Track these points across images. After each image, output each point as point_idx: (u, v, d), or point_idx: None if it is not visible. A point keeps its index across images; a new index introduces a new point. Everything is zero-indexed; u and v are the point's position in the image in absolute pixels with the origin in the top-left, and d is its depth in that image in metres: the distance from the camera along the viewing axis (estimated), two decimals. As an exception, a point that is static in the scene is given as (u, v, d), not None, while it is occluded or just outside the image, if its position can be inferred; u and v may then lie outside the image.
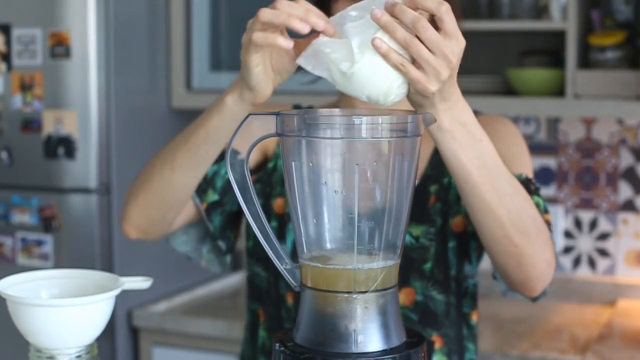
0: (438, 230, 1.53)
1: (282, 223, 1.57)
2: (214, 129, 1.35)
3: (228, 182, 1.57)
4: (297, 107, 1.67)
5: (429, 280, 1.53)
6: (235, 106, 1.31)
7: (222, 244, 1.61)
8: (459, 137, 1.24)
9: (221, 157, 1.52)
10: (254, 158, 1.60)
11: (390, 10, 1.11)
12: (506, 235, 1.32)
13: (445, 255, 1.53)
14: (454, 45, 1.14)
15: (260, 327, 1.63)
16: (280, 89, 1.34)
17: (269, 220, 1.56)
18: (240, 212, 1.62)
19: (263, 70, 1.24)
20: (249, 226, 1.62)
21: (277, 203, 1.58)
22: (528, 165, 1.54)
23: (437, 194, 1.54)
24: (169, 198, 1.47)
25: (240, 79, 1.28)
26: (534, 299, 1.50)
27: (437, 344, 1.55)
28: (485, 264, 1.67)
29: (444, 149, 1.26)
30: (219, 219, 1.59)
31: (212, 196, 1.56)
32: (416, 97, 1.18)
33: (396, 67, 1.12)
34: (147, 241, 1.59)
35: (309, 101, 1.82)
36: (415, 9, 1.12)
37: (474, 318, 1.60)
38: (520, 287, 1.43)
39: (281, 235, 1.56)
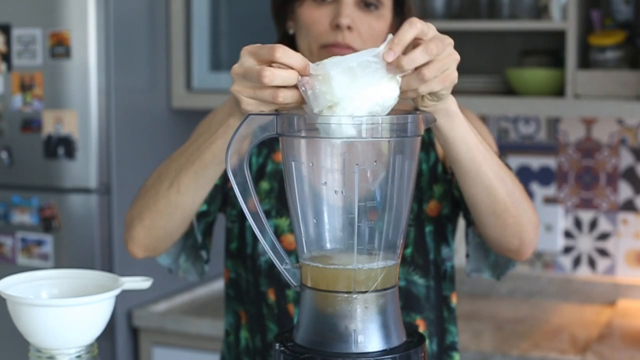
0: (415, 215, 1.56)
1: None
2: (219, 150, 1.34)
3: (214, 190, 1.57)
4: None
5: (410, 265, 1.56)
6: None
7: (204, 253, 1.62)
8: (462, 118, 1.26)
9: None
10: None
11: (398, 65, 1.08)
12: (506, 208, 1.37)
13: (424, 239, 1.57)
14: (433, 32, 1.12)
15: (242, 328, 1.64)
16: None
17: (244, 219, 1.57)
18: (214, 220, 1.64)
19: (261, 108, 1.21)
20: (229, 229, 1.64)
21: (251, 200, 1.59)
22: (494, 144, 1.58)
23: None
24: (176, 218, 1.47)
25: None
26: (498, 277, 1.57)
27: (421, 328, 1.58)
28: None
29: (454, 133, 1.26)
30: (202, 228, 1.60)
31: (202, 207, 1.57)
32: (432, 96, 1.17)
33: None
34: (154, 257, 1.60)
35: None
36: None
37: (454, 300, 1.64)
38: (514, 254, 1.48)
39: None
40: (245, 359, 1.63)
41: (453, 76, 1.14)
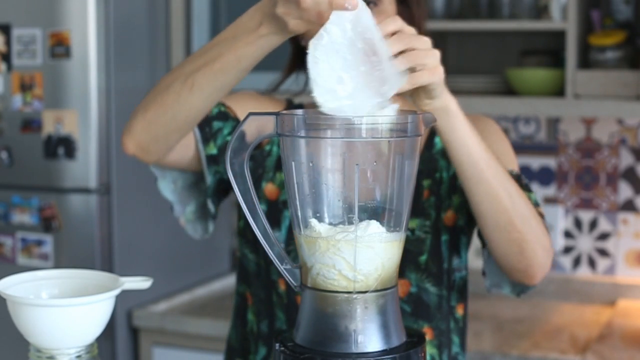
0: (432, 223, 1.55)
1: (274, 209, 1.57)
2: (245, 57, 1.33)
3: (226, 143, 1.54)
4: (289, 101, 1.68)
5: (424, 272, 1.55)
6: (274, 38, 1.30)
7: (211, 206, 1.60)
8: (464, 119, 1.27)
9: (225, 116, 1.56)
10: (250, 132, 1.56)
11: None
12: (510, 221, 1.36)
13: (439, 248, 1.56)
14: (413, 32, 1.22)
15: (248, 310, 1.63)
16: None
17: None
18: (229, 184, 1.60)
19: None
20: (239, 205, 1.62)
21: (269, 188, 1.59)
22: (515, 162, 1.57)
23: (430, 188, 1.55)
24: (180, 118, 1.43)
25: (272, 15, 1.27)
26: (519, 294, 1.54)
27: (428, 336, 1.56)
28: (476, 263, 1.67)
29: (455, 134, 1.28)
30: (212, 179, 1.58)
31: (212, 149, 1.56)
32: (426, 94, 1.23)
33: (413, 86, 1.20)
34: (144, 161, 1.55)
35: (301, 98, 1.81)
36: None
37: (460, 311, 1.62)
38: (522, 275, 1.46)
39: (275, 221, 1.57)
40: (252, 341, 1.63)
41: (439, 70, 1.21)
